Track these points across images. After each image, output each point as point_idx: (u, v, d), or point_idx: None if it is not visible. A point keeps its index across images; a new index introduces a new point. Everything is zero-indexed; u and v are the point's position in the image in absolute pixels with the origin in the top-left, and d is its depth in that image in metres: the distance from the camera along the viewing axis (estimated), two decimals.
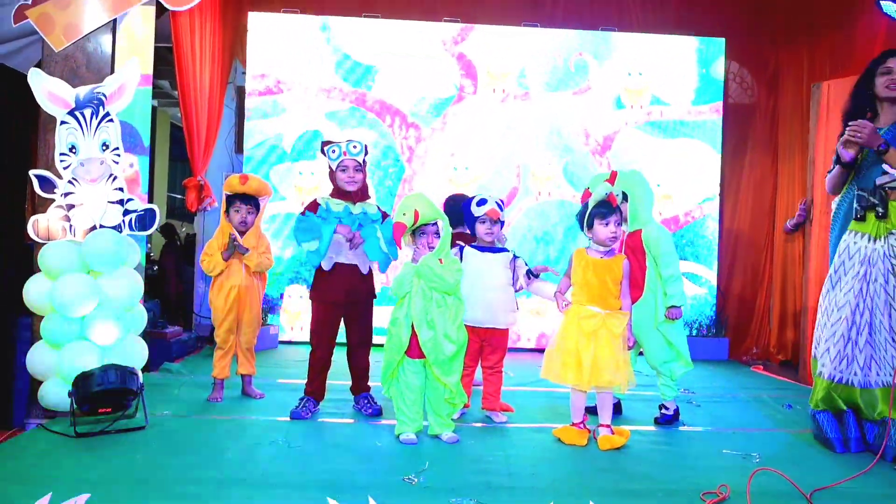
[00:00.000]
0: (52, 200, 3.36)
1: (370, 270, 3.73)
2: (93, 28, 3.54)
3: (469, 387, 3.70)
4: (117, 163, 3.46)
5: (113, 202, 3.45)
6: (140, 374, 3.35)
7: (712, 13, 6.46)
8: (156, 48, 4.52)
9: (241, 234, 3.98)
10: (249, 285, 3.99)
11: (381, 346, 3.37)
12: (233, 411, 3.73)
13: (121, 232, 3.44)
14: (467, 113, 6.37)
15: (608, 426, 3.31)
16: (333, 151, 3.62)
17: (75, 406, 3.13)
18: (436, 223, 3.28)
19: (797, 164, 6.13)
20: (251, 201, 4.01)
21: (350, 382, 3.84)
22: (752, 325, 6.52)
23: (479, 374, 3.84)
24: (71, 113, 3.36)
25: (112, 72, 3.60)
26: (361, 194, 3.71)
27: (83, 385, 3.12)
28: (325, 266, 3.63)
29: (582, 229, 3.41)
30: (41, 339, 3.33)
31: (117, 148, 3.46)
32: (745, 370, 5.81)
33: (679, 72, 6.46)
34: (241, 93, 6.33)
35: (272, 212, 6.06)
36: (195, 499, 2.47)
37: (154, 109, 9.70)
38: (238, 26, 6.25)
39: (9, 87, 4.48)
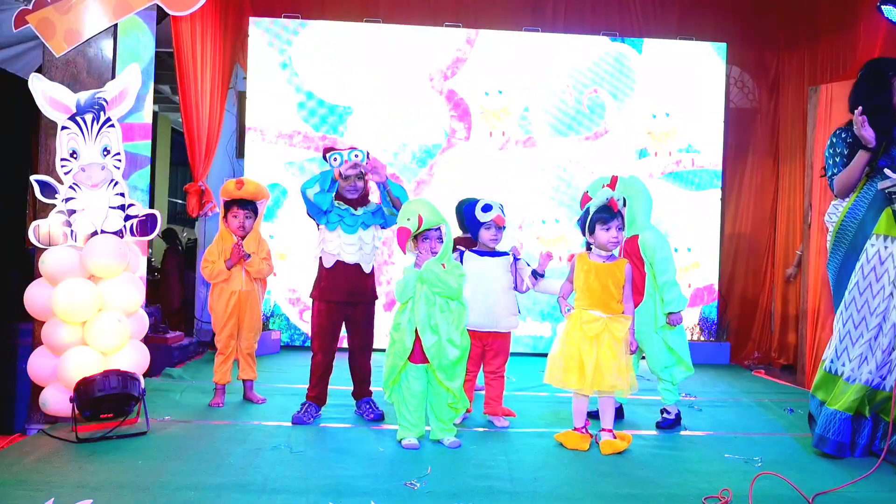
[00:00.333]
0: (54, 206, 3.36)
1: (372, 270, 3.72)
2: (94, 33, 3.55)
3: (471, 392, 3.70)
4: (118, 168, 3.46)
5: (114, 207, 3.45)
6: (141, 379, 3.35)
7: (714, 18, 6.49)
8: (157, 53, 4.54)
9: (241, 238, 3.99)
10: (250, 290, 3.99)
11: (382, 350, 3.37)
12: (234, 416, 3.73)
13: (122, 237, 3.45)
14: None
15: (610, 431, 3.30)
16: (335, 159, 3.62)
17: (77, 411, 3.12)
18: (439, 228, 3.28)
19: (798, 167, 6.14)
20: (249, 206, 4.01)
21: (352, 387, 3.83)
22: (753, 329, 6.52)
23: (480, 378, 3.83)
24: (72, 118, 3.36)
25: (113, 77, 3.61)
26: (363, 200, 3.72)
27: (84, 390, 3.11)
28: (327, 264, 3.63)
29: (583, 234, 3.41)
30: (42, 344, 3.33)
31: (118, 153, 3.46)
32: (746, 374, 5.80)
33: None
34: (241, 98, 6.34)
35: None
36: None
37: (155, 115, 9.70)
38: (239, 31, 6.26)
39: (9, 92, 4.49)
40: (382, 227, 3.74)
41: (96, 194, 3.41)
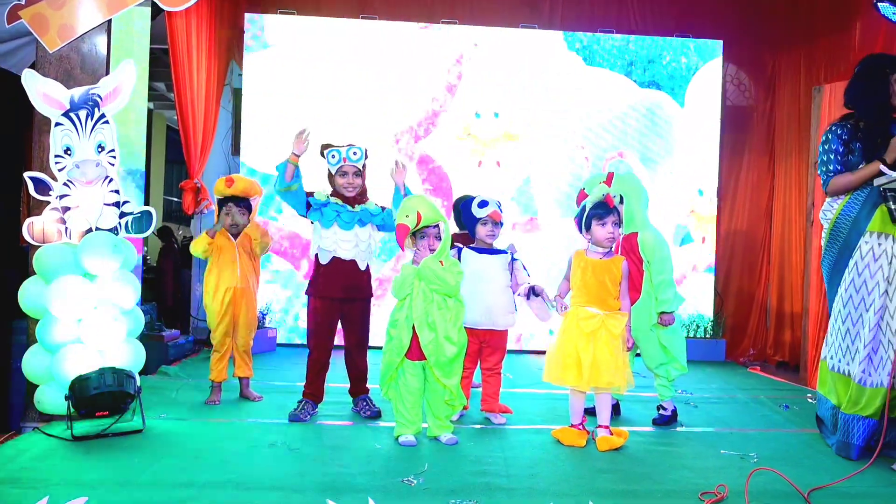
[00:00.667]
0: (48, 203, 3.34)
1: (368, 267, 3.72)
2: (87, 29, 3.53)
3: (468, 389, 3.70)
4: (113, 165, 3.45)
5: (109, 204, 3.43)
6: (137, 377, 3.33)
7: (710, 16, 6.48)
8: (151, 50, 4.52)
9: (234, 235, 3.99)
10: (244, 287, 3.98)
11: (379, 348, 3.36)
12: (231, 414, 3.72)
13: (117, 234, 3.43)
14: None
15: (607, 427, 3.30)
16: (333, 156, 3.61)
17: (72, 409, 3.11)
18: (437, 225, 3.27)
19: (794, 166, 6.15)
20: (241, 203, 4.01)
21: (348, 384, 3.82)
22: (749, 326, 6.54)
23: (477, 375, 3.83)
24: (66, 114, 3.34)
25: (107, 73, 3.59)
26: (360, 198, 3.71)
27: (80, 388, 3.10)
28: (323, 260, 3.62)
29: (580, 231, 3.41)
30: (37, 342, 3.31)
31: (113, 150, 3.44)
32: (742, 371, 5.82)
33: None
34: (237, 94, 6.32)
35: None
36: (193, 502, 2.45)
37: (150, 112, 9.66)
38: (234, 27, 6.24)
39: (3, 89, 4.46)
40: (379, 229, 3.73)
41: (91, 191, 3.39)
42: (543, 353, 3.40)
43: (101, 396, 3.12)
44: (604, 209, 3.29)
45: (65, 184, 3.35)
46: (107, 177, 3.43)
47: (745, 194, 6.62)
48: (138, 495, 2.49)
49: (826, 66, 5.84)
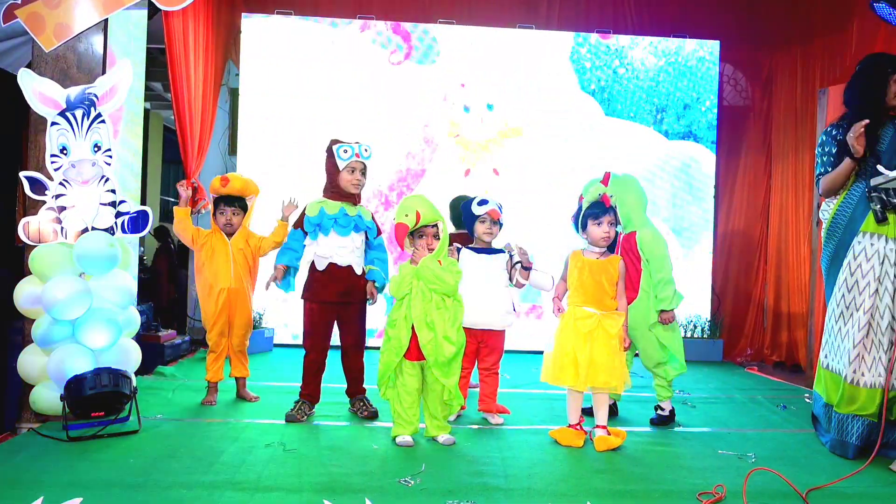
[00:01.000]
0: (43, 202, 3.33)
1: (363, 271, 3.71)
2: (84, 28, 3.51)
3: (465, 389, 3.69)
4: (109, 164, 3.43)
5: (105, 204, 3.42)
6: (133, 377, 3.32)
7: (707, 16, 6.48)
8: (148, 49, 4.50)
9: (228, 235, 3.97)
10: (239, 287, 3.96)
11: (376, 348, 3.35)
12: (227, 414, 3.71)
13: (113, 234, 3.42)
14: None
15: (604, 427, 3.30)
16: (346, 151, 3.59)
17: (67, 410, 3.10)
18: (435, 225, 3.27)
19: (791, 166, 6.17)
20: (236, 202, 3.98)
21: (345, 385, 3.81)
22: (746, 326, 6.54)
23: (475, 376, 3.83)
24: (62, 114, 3.33)
25: (104, 72, 3.57)
26: (358, 197, 3.70)
27: (75, 388, 3.09)
28: (319, 267, 3.61)
29: (577, 231, 3.41)
30: (32, 342, 3.30)
31: (109, 149, 3.43)
32: (739, 371, 5.82)
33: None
34: (234, 95, 6.31)
35: None
36: (189, 503, 2.44)
37: (147, 112, 9.64)
38: (231, 28, 6.23)
39: None
40: (368, 244, 3.73)
41: (87, 191, 3.38)
42: (541, 353, 3.39)
43: (96, 397, 3.10)
44: (600, 208, 3.29)
45: (61, 183, 3.34)
46: (103, 176, 3.42)
47: (741, 194, 6.63)
48: (134, 496, 2.48)
49: (823, 66, 5.86)
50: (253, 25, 6.15)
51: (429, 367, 3.19)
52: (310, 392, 3.67)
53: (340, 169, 3.61)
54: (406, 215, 3.18)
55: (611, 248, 3.41)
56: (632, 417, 3.88)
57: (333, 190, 3.65)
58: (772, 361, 6.18)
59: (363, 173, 3.65)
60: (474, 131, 6.26)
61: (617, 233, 3.41)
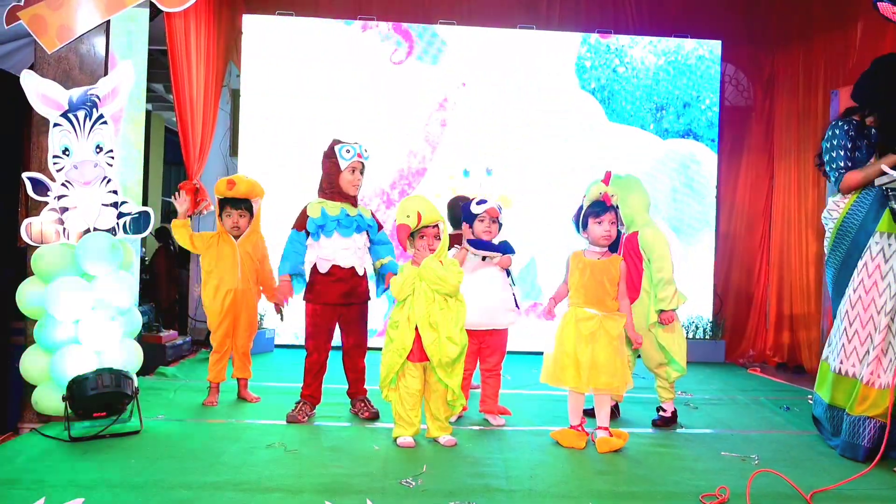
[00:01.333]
0: (46, 203, 3.33)
1: (365, 271, 3.71)
2: (86, 30, 3.52)
3: (467, 390, 3.68)
4: (111, 165, 3.44)
5: (107, 205, 3.42)
6: (135, 378, 3.32)
7: (708, 16, 6.48)
8: (150, 51, 4.50)
9: (236, 237, 3.97)
10: (245, 289, 3.97)
11: (377, 349, 3.35)
12: (228, 415, 3.71)
13: (115, 235, 3.42)
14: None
15: (606, 429, 3.29)
16: (348, 151, 3.60)
17: (69, 410, 3.10)
18: (436, 225, 3.27)
19: (793, 166, 6.15)
20: (242, 205, 3.98)
21: (346, 386, 3.81)
22: (748, 327, 6.53)
23: (476, 377, 3.82)
24: (64, 115, 3.33)
25: (105, 74, 3.58)
26: (356, 198, 3.71)
27: (77, 389, 3.09)
28: (322, 269, 3.61)
29: (578, 231, 3.41)
30: (35, 343, 3.30)
31: (111, 150, 3.43)
32: (742, 372, 5.81)
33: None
34: (235, 96, 6.31)
35: None
36: (190, 503, 2.44)
37: (148, 113, 9.65)
38: (232, 29, 6.23)
39: (2, 89, 4.46)
40: (372, 242, 3.74)
41: (89, 192, 3.38)
42: (542, 353, 3.38)
43: (98, 397, 3.11)
44: (600, 207, 3.28)
45: (63, 184, 3.34)
46: (105, 177, 3.42)
47: (743, 195, 6.62)
48: (135, 496, 2.48)
49: (826, 66, 5.84)
50: (254, 26, 6.16)
51: (432, 368, 3.18)
52: (311, 393, 3.67)
53: (342, 169, 3.61)
54: (407, 216, 3.18)
55: (612, 249, 3.39)
56: (634, 419, 3.87)
57: (333, 190, 3.65)
58: (774, 362, 6.17)
59: (362, 173, 3.67)
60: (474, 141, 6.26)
61: (619, 233, 3.39)
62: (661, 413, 3.77)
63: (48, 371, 3.22)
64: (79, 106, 3.36)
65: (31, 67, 3.48)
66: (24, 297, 3.27)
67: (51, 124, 3.33)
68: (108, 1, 3.53)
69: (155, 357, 4.86)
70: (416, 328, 3.14)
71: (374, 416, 3.68)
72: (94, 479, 2.63)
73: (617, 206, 3.36)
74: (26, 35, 3.58)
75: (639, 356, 3.84)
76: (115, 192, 3.44)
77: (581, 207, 3.40)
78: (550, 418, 3.78)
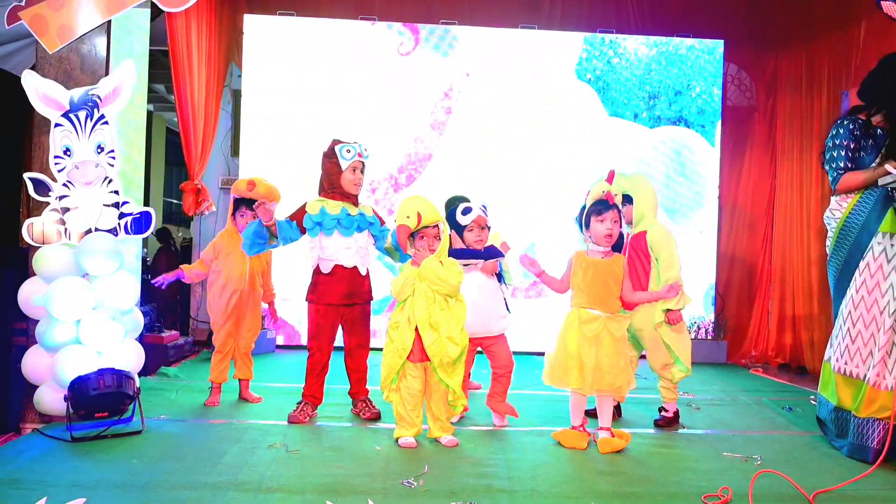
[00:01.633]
0: (47, 204, 3.33)
1: (368, 271, 3.71)
2: (87, 30, 3.52)
3: (466, 390, 3.67)
4: (112, 165, 3.44)
5: (108, 205, 3.42)
6: (136, 378, 3.32)
7: (711, 16, 6.47)
8: (151, 51, 4.50)
9: None
10: (251, 290, 3.97)
11: (378, 349, 3.34)
12: (230, 415, 3.70)
13: (116, 235, 3.42)
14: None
15: (608, 429, 3.28)
16: (348, 151, 3.59)
17: (71, 410, 3.09)
18: (436, 226, 3.26)
19: (796, 166, 6.14)
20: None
21: (348, 386, 3.81)
22: (750, 328, 6.52)
23: (476, 376, 3.80)
24: (65, 115, 3.33)
25: (107, 74, 3.58)
26: (357, 197, 3.70)
27: (79, 389, 3.09)
28: (325, 269, 3.61)
29: (581, 230, 3.40)
30: (36, 343, 3.30)
31: (112, 150, 3.43)
32: (744, 373, 5.80)
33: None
34: (237, 96, 6.31)
35: None
36: (192, 503, 2.44)
37: (150, 114, 9.66)
38: (233, 29, 6.24)
39: (3, 90, 4.46)
40: (375, 238, 3.73)
41: (90, 192, 3.38)
42: (542, 354, 3.37)
43: (100, 397, 3.11)
44: (603, 205, 3.27)
45: (64, 184, 3.34)
46: (106, 177, 3.42)
47: (746, 194, 6.61)
48: (137, 497, 2.48)
49: (829, 65, 5.82)
50: (255, 26, 6.16)
51: (433, 368, 3.18)
52: (312, 393, 3.66)
53: (343, 169, 3.60)
54: (407, 217, 3.18)
55: (617, 249, 3.37)
56: (636, 419, 3.86)
57: (334, 190, 3.64)
58: (776, 363, 6.16)
59: (363, 172, 3.67)
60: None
61: (622, 233, 3.38)
62: (664, 413, 3.76)
63: (50, 371, 3.22)
64: (80, 106, 3.36)
65: (33, 67, 3.48)
66: (25, 297, 3.27)
67: (52, 124, 3.33)
68: (108, 1, 3.54)
69: (157, 357, 4.87)
70: (417, 329, 3.14)
71: (376, 417, 3.67)
72: (96, 479, 2.63)
73: (619, 205, 3.34)
74: (27, 35, 3.58)
75: (642, 357, 3.83)
76: (116, 192, 3.44)
77: (584, 207, 3.39)
78: (552, 419, 3.77)
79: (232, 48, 6.25)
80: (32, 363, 3.29)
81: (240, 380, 4.07)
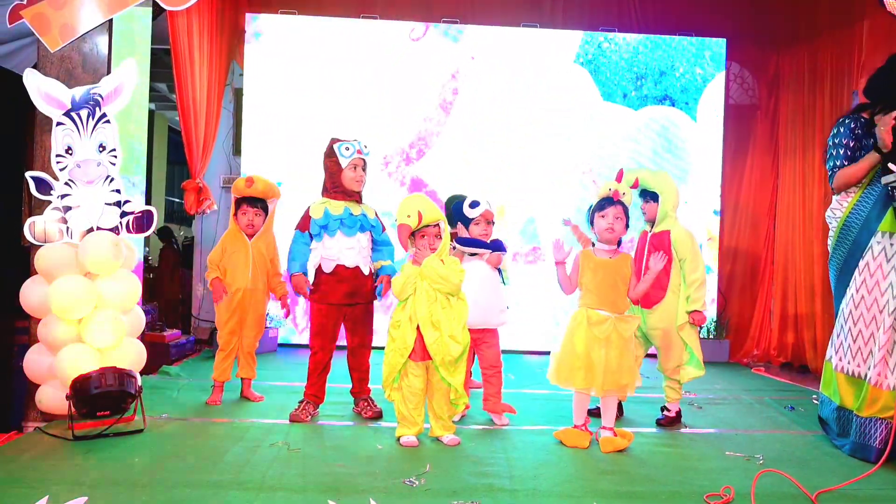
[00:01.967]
0: (49, 202, 3.33)
1: (371, 271, 3.71)
2: (89, 28, 3.52)
3: (467, 388, 3.67)
4: (114, 164, 3.43)
5: (110, 204, 3.42)
6: (138, 376, 3.32)
7: (713, 14, 6.45)
8: (153, 50, 4.50)
9: (249, 236, 3.98)
10: (255, 288, 3.97)
11: (380, 348, 3.34)
12: (232, 414, 3.70)
13: (118, 234, 3.42)
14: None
15: (611, 429, 3.28)
16: (347, 149, 3.59)
17: (73, 409, 3.10)
18: (437, 224, 3.26)
19: (798, 165, 6.13)
20: (258, 204, 4.00)
21: (350, 385, 3.81)
22: (752, 327, 6.51)
23: (476, 375, 3.81)
24: (67, 114, 3.33)
25: (108, 72, 3.58)
26: (360, 195, 3.70)
27: (81, 388, 3.09)
28: (327, 269, 3.61)
29: (591, 227, 3.40)
30: (38, 341, 3.30)
31: (114, 149, 3.43)
32: (746, 372, 5.79)
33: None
34: (238, 95, 6.31)
35: None
36: (194, 502, 2.44)
37: (151, 113, 9.67)
38: (235, 27, 6.23)
39: (5, 88, 4.46)
40: (374, 242, 3.73)
41: (92, 191, 3.38)
42: (544, 353, 3.37)
43: (101, 396, 3.11)
44: (606, 201, 3.27)
45: (66, 183, 3.34)
46: (108, 176, 3.42)
47: (748, 193, 6.59)
48: (139, 495, 2.47)
49: (831, 64, 5.81)
50: (257, 25, 6.15)
51: (435, 367, 3.18)
52: (314, 392, 3.66)
53: (343, 167, 3.60)
54: (408, 216, 3.17)
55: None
56: (638, 418, 3.86)
57: (336, 189, 3.64)
58: (779, 362, 6.15)
59: (364, 169, 3.66)
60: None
61: (627, 230, 3.36)
62: (666, 413, 3.76)
63: (52, 370, 3.22)
64: (81, 105, 3.36)
65: (34, 66, 3.48)
66: (27, 295, 3.28)
67: (54, 123, 3.33)
68: (110, 0, 3.53)
69: (158, 356, 4.87)
70: (418, 327, 3.13)
71: (378, 416, 3.67)
72: (98, 477, 2.63)
73: (626, 203, 3.33)
74: (29, 34, 3.59)
75: (646, 355, 3.82)
76: (118, 190, 3.44)
77: (591, 206, 3.40)
78: (554, 418, 3.77)
79: (233, 47, 6.25)
80: (34, 362, 3.29)
81: (242, 379, 4.07)
